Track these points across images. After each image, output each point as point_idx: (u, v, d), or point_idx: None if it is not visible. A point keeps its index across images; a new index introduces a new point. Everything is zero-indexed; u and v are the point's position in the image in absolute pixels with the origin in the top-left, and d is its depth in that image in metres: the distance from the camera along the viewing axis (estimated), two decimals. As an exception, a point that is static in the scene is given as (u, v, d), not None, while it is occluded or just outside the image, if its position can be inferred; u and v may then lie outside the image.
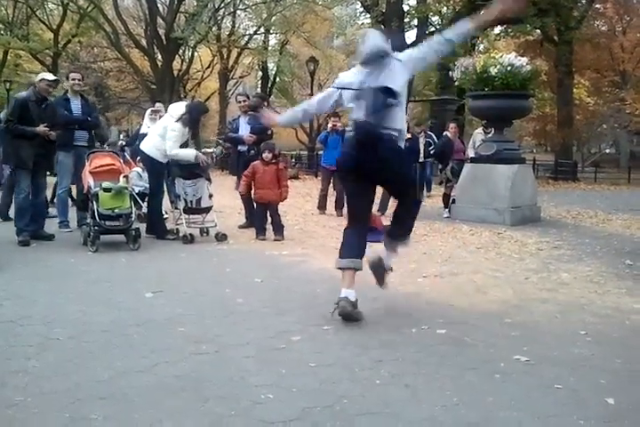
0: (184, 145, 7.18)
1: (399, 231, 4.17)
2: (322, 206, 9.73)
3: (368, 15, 22.14)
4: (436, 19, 23.56)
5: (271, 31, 30.87)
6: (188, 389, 2.77)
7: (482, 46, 26.67)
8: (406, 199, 4.17)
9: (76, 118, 7.30)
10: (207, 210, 7.07)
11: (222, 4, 26.14)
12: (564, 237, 7.64)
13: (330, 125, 10.01)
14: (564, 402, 2.70)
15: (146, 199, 7.57)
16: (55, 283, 4.78)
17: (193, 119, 6.89)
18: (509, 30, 23.34)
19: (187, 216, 6.97)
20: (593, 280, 5.23)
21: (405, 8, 21.35)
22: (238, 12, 29.17)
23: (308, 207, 10.50)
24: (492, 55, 9.37)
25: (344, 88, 3.96)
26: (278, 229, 7.15)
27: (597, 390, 2.83)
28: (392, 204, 9.72)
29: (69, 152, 7.24)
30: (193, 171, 6.99)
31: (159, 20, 25.89)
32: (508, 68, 8.91)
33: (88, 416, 2.47)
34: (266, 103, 9.10)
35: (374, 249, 4.17)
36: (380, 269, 4.09)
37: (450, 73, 11.91)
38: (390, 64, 3.83)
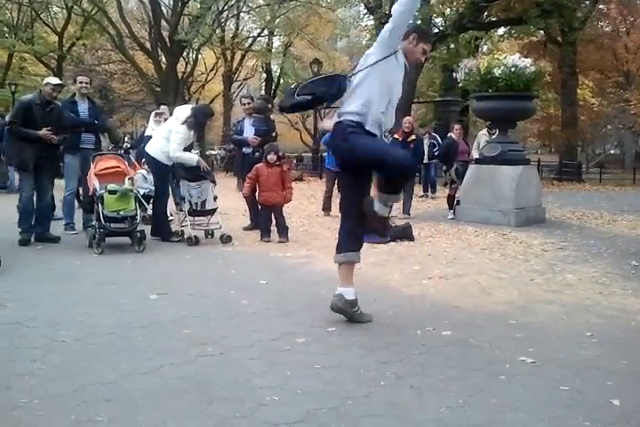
0: (189, 148, 7.20)
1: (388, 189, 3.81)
2: (326, 208, 9.73)
3: (372, 17, 22.12)
4: (439, 20, 23.55)
5: (275, 33, 30.92)
6: (193, 391, 2.77)
7: (485, 47, 26.73)
8: (383, 173, 3.78)
9: (82, 121, 7.33)
10: (212, 212, 7.08)
11: (226, 7, 26.20)
12: (569, 239, 7.62)
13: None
14: (570, 404, 2.69)
15: (151, 201, 7.59)
16: (60, 285, 4.79)
17: (198, 122, 6.90)
18: (513, 31, 23.32)
19: (191, 218, 6.98)
20: (598, 281, 5.21)
21: (409, 9, 21.30)
22: (242, 14, 29.25)
23: (312, 209, 10.50)
24: (495, 56, 9.36)
25: None
26: (283, 230, 7.16)
27: (603, 392, 2.82)
28: (396, 205, 9.72)
29: (76, 155, 7.28)
30: (198, 173, 7.01)
31: (163, 23, 25.94)
32: (512, 70, 8.90)
33: (93, 418, 2.48)
34: (270, 105, 9.11)
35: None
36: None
37: (453, 74, 11.93)
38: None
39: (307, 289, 4.76)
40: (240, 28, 31.27)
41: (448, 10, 22.42)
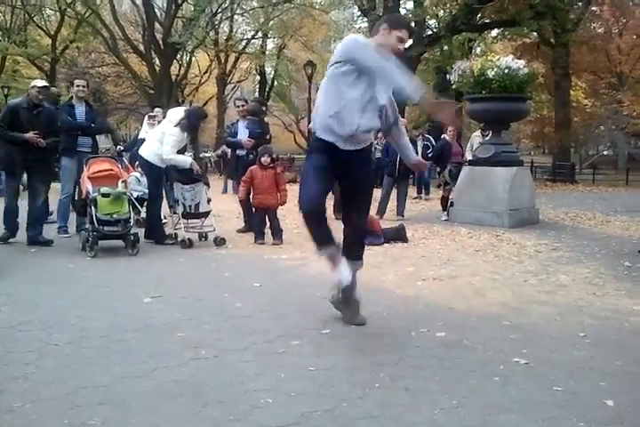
0: (182, 150, 7.18)
1: None
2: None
3: (365, 19, 22.17)
4: (432, 22, 23.61)
5: (269, 35, 30.91)
6: (187, 394, 2.76)
7: (479, 49, 26.81)
8: None
9: (79, 124, 7.33)
10: (206, 214, 7.07)
11: (220, 9, 26.19)
12: (562, 240, 7.64)
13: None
14: (564, 404, 2.70)
15: (144, 204, 7.57)
16: (54, 288, 4.77)
17: (192, 124, 6.90)
18: (506, 33, 23.40)
19: (185, 221, 6.97)
20: (592, 282, 5.23)
21: (402, 11, 21.41)
22: (236, 16, 29.19)
23: (306, 211, 10.47)
24: (489, 58, 9.37)
25: None
26: (277, 233, 7.15)
27: (597, 393, 2.83)
28: (390, 208, 9.74)
29: (73, 158, 7.27)
30: (191, 176, 7.00)
31: (157, 25, 25.91)
32: (506, 71, 8.92)
33: (87, 422, 2.47)
34: (264, 108, 9.11)
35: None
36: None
37: (447, 76, 11.94)
38: None
39: (301, 291, 4.75)
40: (234, 30, 31.24)
41: (441, 12, 22.45)
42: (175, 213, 7.13)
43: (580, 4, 22.89)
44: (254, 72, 35.72)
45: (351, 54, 3.44)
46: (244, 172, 7.48)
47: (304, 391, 2.79)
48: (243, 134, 8.19)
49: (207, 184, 7.18)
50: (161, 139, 6.82)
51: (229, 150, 8.96)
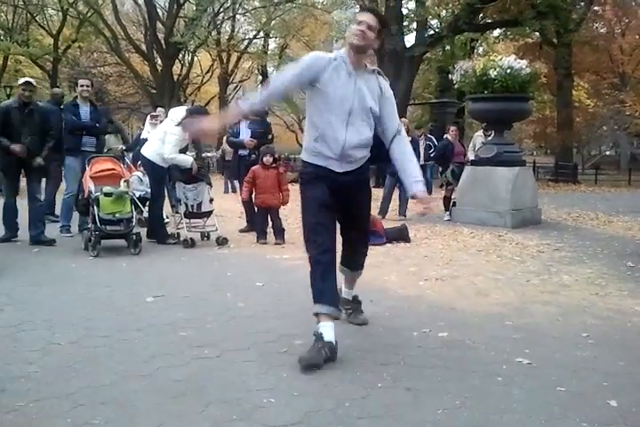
0: (184, 149, 7.18)
1: None
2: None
3: (367, 19, 22.12)
4: (434, 22, 23.58)
5: (271, 35, 30.93)
6: (190, 393, 2.76)
7: (481, 49, 26.77)
8: None
9: (83, 124, 7.35)
10: (208, 214, 7.08)
11: (222, 9, 26.20)
12: (564, 240, 7.64)
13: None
14: (567, 404, 2.69)
15: (147, 204, 7.57)
16: (56, 288, 4.78)
17: None
18: (508, 33, 23.38)
19: (187, 220, 6.97)
20: (594, 282, 5.22)
21: (404, 11, 21.38)
22: (238, 16, 29.24)
23: (308, 211, 10.47)
24: (491, 58, 9.38)
25: None
26: (279, 232, 7.15)
27: (600, 393, 2.82)
28: (393, 207, 9.74)
29: (77, 157, 7.28)
30: (193, 175, 7.00)
31: (159, 25, 25.91)
32: (508, 71, 8.92)
33: (90, 421, 2.47)
34: (266, 108, 9.11)
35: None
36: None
37: (449, 76, 11.91)
38: None
39: (303, 291, 4.70)
40: (236, 30, 31.26)
41: (444, 11, 22.46)
42: (177, 212, 7.13)
43: (583, 3, 22.88)
44: (256, 72, 35.76)
45: None
46: (246, 172, 7.48)
47: (307, 391, 2.79)
48: (245, 134, 8.20)
49: (209, 184, 7.18)
50: (163, 138, 6.82)
51: (229, 150, 8.96)
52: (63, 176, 8.18)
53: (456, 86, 10.79)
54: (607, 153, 42.34)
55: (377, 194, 11.62)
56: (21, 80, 6.99)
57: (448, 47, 22.12)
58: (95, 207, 6.24)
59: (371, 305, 4.19)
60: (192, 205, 7.03)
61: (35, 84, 6.93)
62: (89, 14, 26.26)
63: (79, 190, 6.96)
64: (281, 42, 31.88)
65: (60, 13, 28.47)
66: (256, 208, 7.41)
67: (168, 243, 6.92)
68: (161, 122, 8.24)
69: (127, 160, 8.94)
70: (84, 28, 28.02)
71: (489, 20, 23.08)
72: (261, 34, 30.41)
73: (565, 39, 21.49)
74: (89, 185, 6.47)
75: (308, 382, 2.91)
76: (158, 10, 26.87)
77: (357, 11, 24.11)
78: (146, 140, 7.81)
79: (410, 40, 22.59)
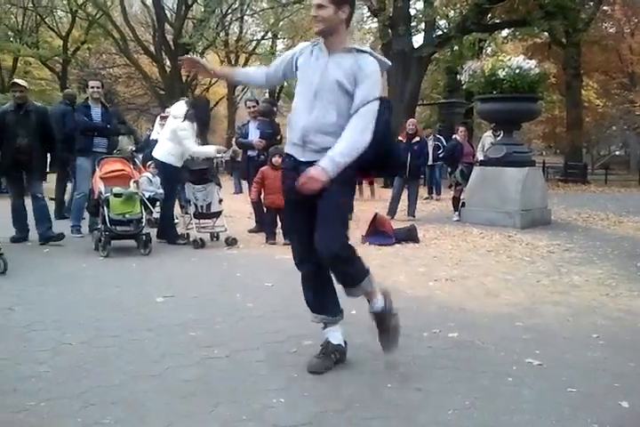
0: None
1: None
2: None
3: (375, 19, 22.14)
4: (442, 22, 23.53)
5: (279, 36, 30.96)
6: (199, 393, 2.77)
7: (489, 49, 26.68)
8: None
9: (95, 125, 7.39)
10: (217, 215, 7.09)
11: (230, 10, 26.27)
12: (574, 240, 7.60)
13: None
14: (578, 406, 2.68)
15: (156, 204, 7.59)
16: (66, 288, 4.80)
17: (199, 113, 6.91)
18: (517, 33, 23.29)
19: (197, 221, 6.99)
20: (604, 283, 5.20)
21: (412, 12, 21.33)
22: (246, 17, 29.30)
23: (317, 211, 10.47)
24: (500, 58, 9.35)
25: None
26: (288, 233, 7.15)
27: (611, 394, 2.81)
28: (402, 208, 9.72)
29: (88, 158, 7.32)
30: (203, 176, 7.02)
31: (167, 27, 26.05)
32: (517, 71, 8.90)
33: (100, 421, 2.48)
34: (275, 108, 9.12)
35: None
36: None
37: (457, 76, 11.88)
38: None
39: (312, 291, 4.74)
40: (244, 31, 31.35)
41: (452, 12, 22.41)
42: (187, 213, 7.15)
43: (592, 3, 22.77)
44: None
45: None
46: (255, 172, 7.49)
47: (316, 391, 2.79)
48: (254, 135, 8.21)
49: (219, 184, 7.20)
50: (172, 138, 6.84)
51: (240, 151, 8.97)
52: (73, 177, 8.23)
53: (464, 87, 10.77)
54: (617, 153, 42.13)
55: (386, 194, 11.62)
56: (13, 81, 7.11)
57: (456, 47, 22.05)
58: (105, 208, 6.26)
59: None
60: (201, 206, 7.04)
61: (23, 83, 6.99)
62: (98, 16, 26.43)
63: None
64: (289, 43, 31.80)
65: (70, 15, 28.68)
66: (265, 209, 7.42)
67: (178, 243, 6.94)
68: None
69: (137, 161, 8.97)
70: (93, 30, 28.21)
71: (497, 21, 23.00)
72: (269, 35, 30.47)
73: (574, 39, 21.41)
74: (99, 186, 6.50)
75: (317, 382, 2.91)
76: (166, 11, 27.01)
77: (365, 11, 24.17)
78: (156, 141, 7.83)
79: (418, 41, 22.57)
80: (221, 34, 27.22)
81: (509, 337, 3.64)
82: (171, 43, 25.36)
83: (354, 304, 3.24)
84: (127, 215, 6.31)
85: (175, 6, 26.99)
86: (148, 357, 3.23)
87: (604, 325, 3.94)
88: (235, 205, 9.84)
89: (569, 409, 2.64)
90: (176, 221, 7.68)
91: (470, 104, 19.64)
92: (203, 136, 7.52)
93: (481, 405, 2.67)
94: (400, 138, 10.16)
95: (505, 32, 24.87)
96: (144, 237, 6.33)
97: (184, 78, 27.84)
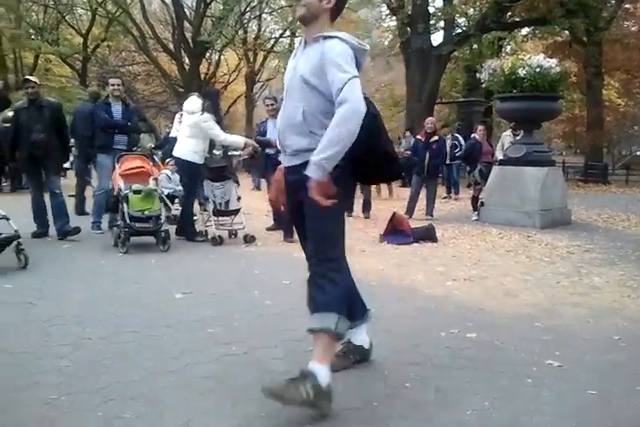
0: (211, 147, 7.23)
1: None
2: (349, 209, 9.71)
3: (394, 17, 22.07)
4: (462, 20, 23.40)
5: (297, 34, 30.87)
6: (218, 390, 2.78)
7: (509, 48, 26.50)
8: None
9: (115, 122, 7.45)
10: (235, 212, 7.11)
11: (248, 8, 26.33)
12: (595, 241, 7.53)
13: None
14: (598, 408, 2.65)
15: (175, 201, 7.62)
16: (86, 283, 4.84)
17: (214, 102, 7.01)
18: (537, 31, 23.11)
19: (215, 218, 7.02)
20: (626, 284, 5.14)
21: (431, 10, 21.23)
22: (264, 15, 29.35)
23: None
24: (520, 57, 9.28)
25: None
26: (305, 231, 7.15)
27: (631, 397, 2.78)
28: (419, 206, 9.69)
29: (109, 155, 7.38)
30: (221, 173, 7.05)
31: (186, 24, 26.14)
32: (537, 70, 8.83)
33: (121, 415, 2.50)
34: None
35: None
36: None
37: (477, 75, 11.81)
38: None
39: (330, 290, 4.74)
40: (262, 29, 31.37)
41: (471, 10, 22.25)
42: (205, 210, 7.18)
43: (613, 1, 22.53)
44: (282, 71, 35.78)
45: None
46: (273, 170, 7.48)
47: (334, 389, 2.78)
48: (272, 133, 8.20)
49: (237, 182, 7.22)
50: (192, 134, 6.87)
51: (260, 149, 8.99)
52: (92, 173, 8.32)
53: (484, 85, 10.70)
54: (638, 153, 41.62)
55: (404, 193, 11.58)
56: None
57: (475, 46, 21.94)
58: (124, 204, 6.30)
59: (398, 303, 4.18)
60: (220, 203, 7.08)
61: (34, 79, 7.09)
62: (117, 14, 26.60)
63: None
64: (307, 41, 31.85)
65: (90, 13, 28.90)
66: (282, 207, 7.41)
67: (196, 240, 6.98)
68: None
69: (156, 158, 9.03)
70: (112, 28, 28.43)
71: (517, 19, 22.81)
72: (288, 33, 30.42)
73: (595, 37, 21.20)
74: (118, 183, 6.55)
75: (335, 380, 2.89)
76: (185, 9, 27.10)
77: (384, 9, 24.11)
78: (175, 138, 7.87)
79: (437, 39, 22.48)
80: (240, 32, 27.24)
81: (529, 338, 3.61)
82: (190, 40, 25.46)
83: (368, 302, 3.21)
84: (146, 212, 6.35)
85: (194, 4, 27.08)
86: (166, 353, 3.25)
87: (625, 327, 3.89)
88: (253, 203, 9.87)
89: (589, 411, 2.62)
90: (195, 218, 7.72)
91: (489, 103, 19.48)
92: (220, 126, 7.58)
93: (500, 405, 2.65)
94: (419, 137, 10.14)
95: (525, 30, 24.67)
96: (163, 233, 6.37)
97: (202, 76, 27.95)
